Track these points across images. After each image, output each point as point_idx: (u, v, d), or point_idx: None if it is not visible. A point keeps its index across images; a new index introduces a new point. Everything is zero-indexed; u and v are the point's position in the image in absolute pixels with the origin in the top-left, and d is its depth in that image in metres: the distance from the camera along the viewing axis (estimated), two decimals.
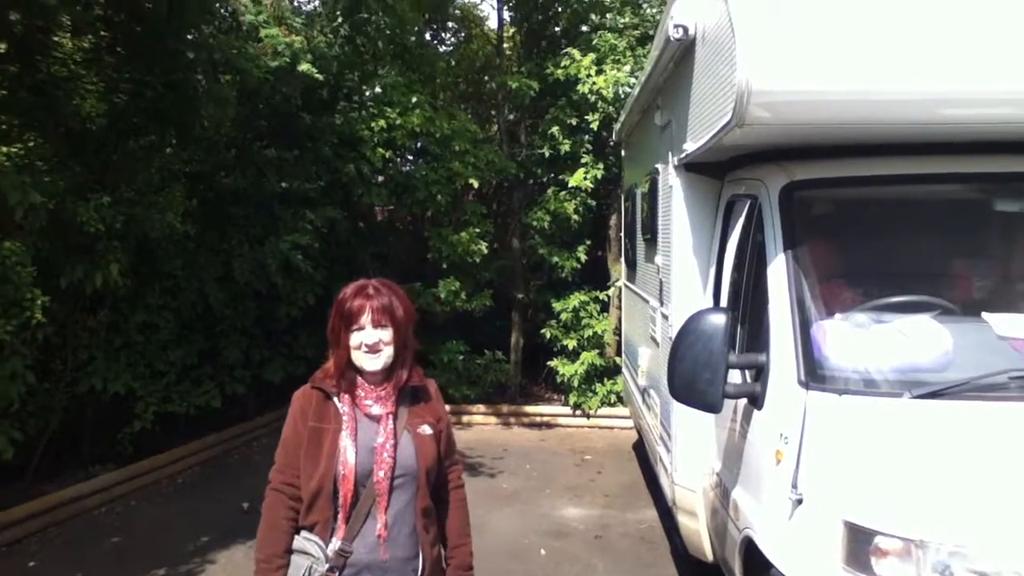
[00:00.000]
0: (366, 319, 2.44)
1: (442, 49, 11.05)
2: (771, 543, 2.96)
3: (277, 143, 8.07)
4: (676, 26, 3.83)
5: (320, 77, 7.52)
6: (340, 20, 8.03)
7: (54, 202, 5.58)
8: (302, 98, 7.94)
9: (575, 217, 9.48)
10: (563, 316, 9.47)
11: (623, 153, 8.22)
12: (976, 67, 2.92)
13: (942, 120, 3.08)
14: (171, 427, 7.78)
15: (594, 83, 8.92)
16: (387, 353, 2.46)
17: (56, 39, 6.11)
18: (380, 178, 9.29)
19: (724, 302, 4.07)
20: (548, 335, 9.57)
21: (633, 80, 8.69)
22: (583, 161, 9.40)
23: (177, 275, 7.26)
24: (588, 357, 9.28)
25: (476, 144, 9.39)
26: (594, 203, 9.72)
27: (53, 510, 6.15)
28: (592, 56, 9.14)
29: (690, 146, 4.00)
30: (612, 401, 9.39)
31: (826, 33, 2.92)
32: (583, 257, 9.67)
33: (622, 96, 8.72)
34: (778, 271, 3.28)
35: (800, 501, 2.77)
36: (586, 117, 9.22)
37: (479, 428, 9.42)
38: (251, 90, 7.49)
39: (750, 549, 3.31)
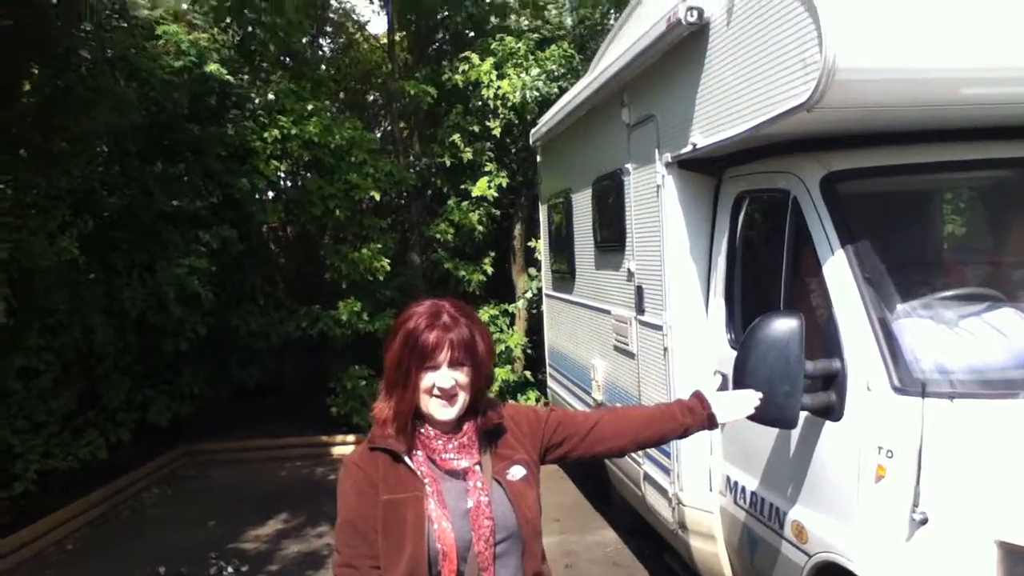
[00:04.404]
0: (443, 357, 1.92)
1: (320, 55, 10.36)
2: (881, 569, 2.67)
3: (160, 156, 7.13)
4: (691, 8, 3.50)
5: (231, 79, 6.70)
6: (229, 20, 7.20)
7: None
8: (189, 106, 7.06)
9: (480, 228, 9.11)
10: None
11: (539, 160, 7.87)
12: None
13: None
14: (45, 486, 6.66)
15: (499, 88, 8.56)
16: (462, 399, 1.95)
17: None
18: (271, 193, 8.51)
19: (738, 305, 3.81)
20: None
21: (540, 84, 8.43)
22: (486, 169, 9.01)
23: (59, 310, 6.25)
24: (501, 374, 8.88)
25: (373, 154, 8.81)
26: (498, 213, 9.35)
27: None
28: (491, 60, 8.78)
29: (701, 140, 3.68)
30: None
31: (915, 5, 2.67)
32: (489, 270, 9.29)
33: (529, 100, 8.42)
34: (839, 269, 3.01)
35: (924, 521, 2.50)
36: (487, 124, 8.85)
37: None
38: (125, 100, 6.54)
39: (825, 574, 3.03)
